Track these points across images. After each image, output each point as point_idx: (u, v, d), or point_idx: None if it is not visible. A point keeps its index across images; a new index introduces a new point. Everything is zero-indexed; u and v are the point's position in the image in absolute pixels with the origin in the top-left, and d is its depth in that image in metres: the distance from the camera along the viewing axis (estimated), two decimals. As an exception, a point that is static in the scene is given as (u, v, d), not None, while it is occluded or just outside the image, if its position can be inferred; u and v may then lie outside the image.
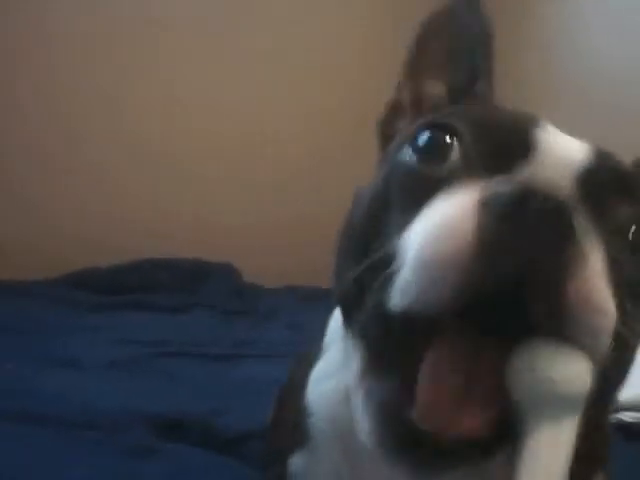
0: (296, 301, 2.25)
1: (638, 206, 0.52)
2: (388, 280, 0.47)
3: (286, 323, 1.96)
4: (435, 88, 0.66)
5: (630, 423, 1.25)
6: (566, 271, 0.44)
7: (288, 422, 0.70)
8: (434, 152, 0.54)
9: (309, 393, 0.67)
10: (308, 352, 0.72)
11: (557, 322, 0.45)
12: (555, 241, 0.44)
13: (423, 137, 0.55)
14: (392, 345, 0.50)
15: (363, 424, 0.50)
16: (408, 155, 0.55)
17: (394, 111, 0.68)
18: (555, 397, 0.46)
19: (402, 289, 0.46)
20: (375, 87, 2.70)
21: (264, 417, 0.98)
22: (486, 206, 0.45)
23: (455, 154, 0.53)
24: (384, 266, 0.48)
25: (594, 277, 0.45)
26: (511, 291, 0.43)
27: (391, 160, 0.58)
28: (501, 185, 0.46)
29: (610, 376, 0.49)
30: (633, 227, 0.52)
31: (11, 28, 2.32)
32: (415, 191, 0.52)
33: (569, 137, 0.55)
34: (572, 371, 0.46)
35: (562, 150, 0.53)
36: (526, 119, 0.55)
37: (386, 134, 0.67)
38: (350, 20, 2.81)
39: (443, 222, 0.46)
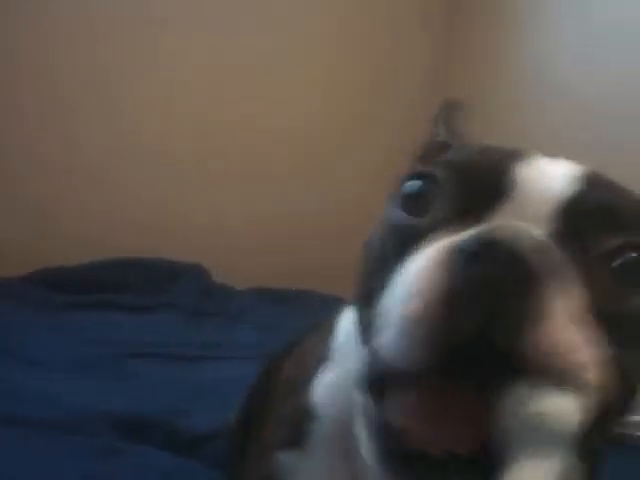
0: (267, 303, 2.24)
1: (623, 237, 0.51)
2: (375, 336, 0.50)
3: (255, 325, 1.95)
4: None
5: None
6: (526, 323, 0.45)
7: (282, 418, 0.69)
8: (417, 202, 0.55)
9: (315, 396, 0.66)
10: (309, 349, 0.72)
11: (527, 368, 0.45)
12: (514, 293, 0.45)
13: (406, 188, 0.57)
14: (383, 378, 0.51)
15: (365, 444, 0.51)
16: (394, 206, 0.57)
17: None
18: (542, 431, 0.45)
19: (383, 347, 0.49)
20: (371, 88, 2.76)
21: (227, 418, 0.98)
22: (450, 263, 0.46)
23: (437, 203, 0.54)
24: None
25: (558, 325, 0.46)
26: (483, 341, 0.44)
27: (384, 210, 0.59)
28: (467, 240, 0.47)
29: (608, 409, 0.49)
30: (620, 259, 0.51)
31: (11, 27, 2.31)
32: (402, 241, 0.53)
33: (559, 166, 0.55)
34: (562, 406, 0.45)
35: (543, 186, 0.52)
36: (509, 157, 0.54)
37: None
38: (348, 19, 2.81)
39: (412, 281, 0.48)
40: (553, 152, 0.58)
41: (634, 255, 0.51)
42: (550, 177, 0.53)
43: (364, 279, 0.58)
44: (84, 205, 2.45)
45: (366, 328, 0.54)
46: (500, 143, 0.63)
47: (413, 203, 0.55)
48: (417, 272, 0.48)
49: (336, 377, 0.66)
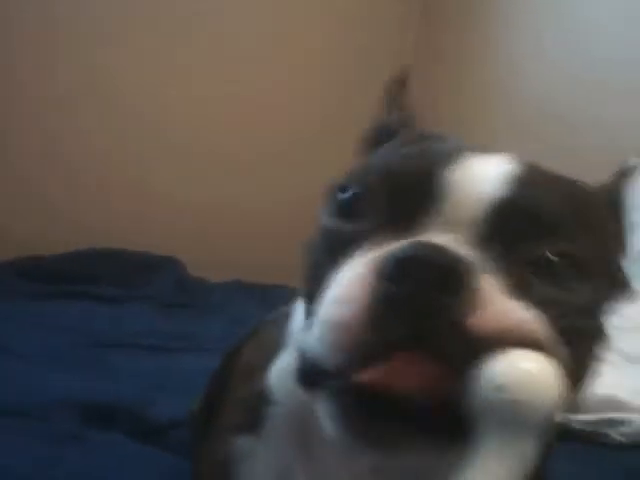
0: (241, 296, 2.25)
1: (546, 244, 0.52)
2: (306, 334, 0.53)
3: (229, 318, 1.95)
4: None
5: (557, 423, 1.27)
6: (461, 315, 0.46)
7: (239, 403, 0.70)
8: (350, 209, 0.56)
9: (271, 380, 0.67)
10: (267, 335, 0.73)
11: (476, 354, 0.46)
12: (442, 292, 0.46)
13: (338, 196, 0.57)
14: None
15: (324, 416, 0.52)
16: (329, 212, 0.58)
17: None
18: (517, 419, 0.45)
19: (308, 346, 0.52)
20: (357, 77, 2.78)
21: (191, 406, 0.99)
22: (376, 273, 0.48)
23: (369, 210, 0.55)
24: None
25: (493, 307, 0.48)
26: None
27: (320, 214, 0.60)
28: (388, 257, 0.49)
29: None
30: (555, 258, 0.52)
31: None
32: (334, 247, 0.54)
33: (491, 165, 0.54)
34: (539, 395, 0.45)
35: (471, 189, 0.52)
36: (440, 160, 0.54)
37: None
38: (323, 20, 2.85)
39: (336, 289, 0.50)
40: (522, 153, 0.57)
41: (556, 260, 0.52)
42: (479, 179, 0.53)
43: (305, 280, 0.59)
44: (72, 193, 2.49)
45: (306, 325, 0.55)
46: (463, 139, 0.63)
47: (346, 210, 0.56)
48: (342, 281, 0.50)
49: (291, 362, 0.66)
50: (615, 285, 0.59)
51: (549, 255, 0.52)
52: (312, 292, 0.54)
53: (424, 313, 0.46)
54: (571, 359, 0.50)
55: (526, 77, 2.45)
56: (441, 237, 0.50)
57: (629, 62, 2.17)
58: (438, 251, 0.48)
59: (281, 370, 0.67)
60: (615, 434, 1.25)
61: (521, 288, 0.50)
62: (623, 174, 0.68)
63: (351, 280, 0.49)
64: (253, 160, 2.71)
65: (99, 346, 1.53)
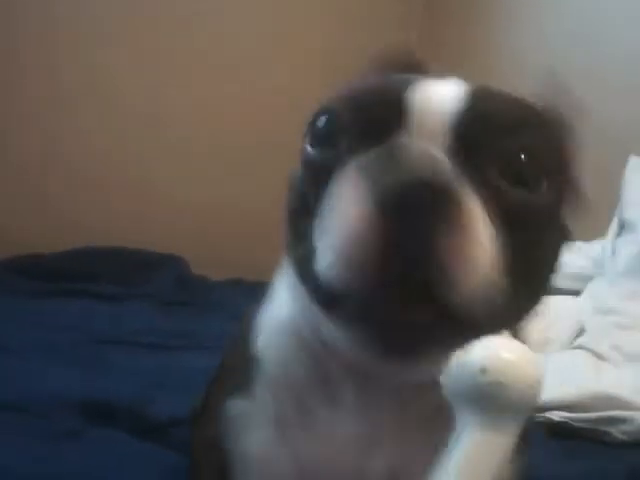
0: (242, 294, 2.24)
1: (511, 141, 0.55)
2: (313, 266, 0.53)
3: (230, 316, 1.94)
4: None
5: (558, 422, 1.27)
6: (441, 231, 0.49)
7: (230, 371, 0.71)
8: (325, 138, 0.58)
9: (259, 341, 0.68)
10: (251, 310, 0.73)
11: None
12: (427, 212, 0.49)
13: (313, 125, 0.59)
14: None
15: (343, 335, 0.55)
16: (307, 143, 0.59)
17: None
18: (500, 401, 0.45)
19: (324, 273, 0.52)
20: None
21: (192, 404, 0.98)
22: (374, 200, 0.50)
23: (341, 136, 0.57)
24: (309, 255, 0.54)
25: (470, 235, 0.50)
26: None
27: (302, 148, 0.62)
28: (375, 164, 0.52)
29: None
30: (512, 162, 0.54)
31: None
32: (315, 177, 0.56)
33: (449, 86, 0.57)
34: (524, 377, 0.45)
35: (434, 106, 0.55)
36: (401, 84, 0.57)
37: None
38: (335, 12, 2.86)
39: (343, 221, 0.51)
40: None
41: (524, 156, 0.55)
42: (441, 97, 0.55)
43: (291, 216, 0.60)
44: (73, 192, 2.48)
45: (301, 263, 0.57)
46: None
47: (321, 139, 0.58)
48: (342, 210, 0.51)
49: (274, 320, 0.68)
50: (570, 196, 0.61)
51: (515, 151, 0.54)
52: (301, 225, 0.56)
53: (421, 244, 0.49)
54: (522, 286, 0.53)
55: (530, 72, 2.44)
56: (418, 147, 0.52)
57: (635, 57, 2.17)
58: (428, 164, 0.50)
59: (264, 330, 0.68)
60: (617, 432, 1.26)
61: (493, 198, 0.52)
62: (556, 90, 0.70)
63: (352, 210, 0.51)
64: (254, 159, 2.71)
65: (99, 344, 1.53)
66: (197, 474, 0.76)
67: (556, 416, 1.28)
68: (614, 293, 1.70)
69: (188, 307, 2.05)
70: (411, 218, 0.49)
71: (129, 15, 2.54)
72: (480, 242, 0.50)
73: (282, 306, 0.67)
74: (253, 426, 0.66)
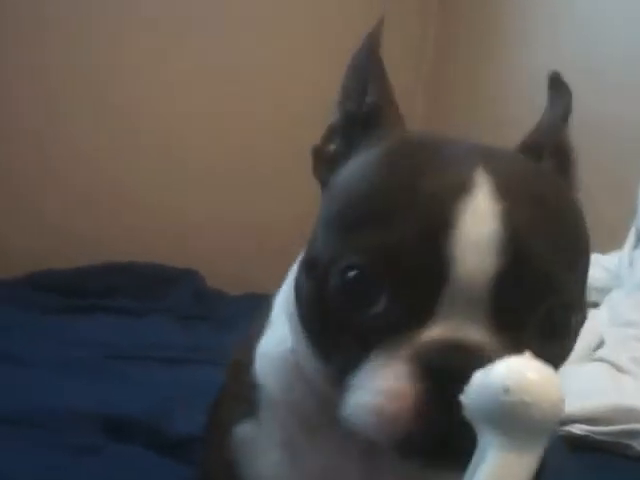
0: (259, 309, 2.23)
1: (551, 299, 0.55)
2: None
3: (246, 330, 1.94)
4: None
5: (580, 436, 1.26)
6: None
7: (234, 396, 0.71)
8: (357, 292, 0.55)
9: (257, 366, 0.68)
10: (251, 332, 0.73)
11: None
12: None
13: (340, 275, 0.56)
14: None
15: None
16: (337, 286, 0.56)
17: (330, 134, 0.70)
18: (524, 420, 0.45)
19: (356, 421, 0.55)
20: None
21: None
22: (419, 373, 0.53)
23: (375, 296, 0.55)
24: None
25: None
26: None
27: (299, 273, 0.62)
28: (428, 355, 0.53)
29: None
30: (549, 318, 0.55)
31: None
32: (348, 331, 0.56)
33: (487, 218, 0.54)
34: (547, 397, 0.45)
35: (476, 260, 0.53)
36: (440, 223, 0.53)
37: (321, 158, 0.69)
38: (326, 22, 2.83)
39: (385, 384, 0.53)
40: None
41: (558, 313, 0.56)
42: (479, 244, 0.53)
43: (315, 330, 0.60)
44: (80, 207, 2.48)
45: (331, 374, 0.59)
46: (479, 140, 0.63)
47: (351, 290, 0.55)
48: (383, 375, 0.53)
49: (274, 342, 0.68)
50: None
51: (555, 311, 0.56)
52: (334, 362, 0.58)
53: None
54: None
55: (543, 72, 2.44)
56: (460, 328, 0.53)
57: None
58: (470, 358, 0.51)
59: (265, 353, 0.69)
60: (638, 445, 1.24)
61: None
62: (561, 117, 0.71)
63: (394, 376, 0.53)
64: (269, 172, 2.71)
65: (116, 359, 1.53)
66: None
67: (577, 429, 1.26)
68: (632, 305, 1.68)
69: (206, 321, 2.06)
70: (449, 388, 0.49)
71: (125, 17, 2.53)
72: None
73: (282, 334, 0.67)
74: (262, 450, 0.67)
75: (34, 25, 2.39)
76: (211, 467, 0.74)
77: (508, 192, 0.54)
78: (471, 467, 0.46)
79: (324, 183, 0.66)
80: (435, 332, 0.53)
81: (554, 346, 0.57)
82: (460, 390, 0.47)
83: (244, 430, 0.68)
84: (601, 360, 1.50)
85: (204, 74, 2.63)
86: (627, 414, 1.28)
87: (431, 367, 0.52)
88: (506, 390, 0.45)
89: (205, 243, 2.60)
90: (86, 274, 2.21)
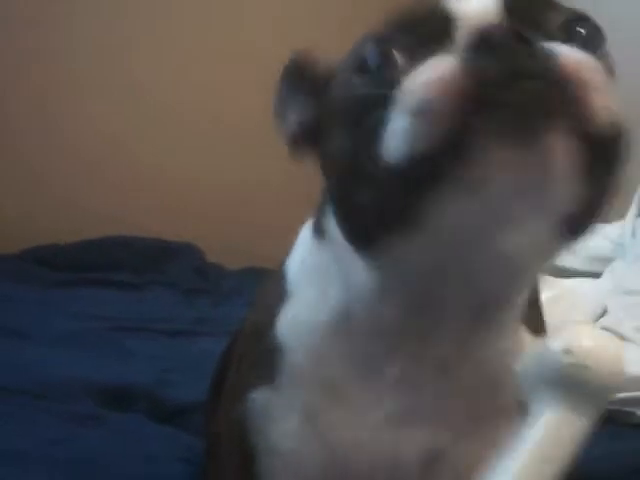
0: (259, 282, 2.23)
1: (565, 14, 0.52)
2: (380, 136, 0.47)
3: (248, 302, 1.94)
4: None
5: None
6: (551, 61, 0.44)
7: (251, 363, 0.67)
8: (374, 66, 0.51)
9: (282, 330, 0.64)
10: (268, 301, 0.69)
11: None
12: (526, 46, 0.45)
13: (358, 55, 0.54)
14: None
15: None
16: (353, 74, 0.53)
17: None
18: (583, 383, 0.44)
19: (398, 136, 0.46)
20: None
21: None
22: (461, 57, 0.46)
23: (399, 59, 0.50)
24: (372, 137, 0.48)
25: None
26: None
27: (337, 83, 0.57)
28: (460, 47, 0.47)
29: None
30: (568, 33, 0.51)
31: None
32: (368, 106, 0.50)
33: None
34: (608, 364, 0.45)
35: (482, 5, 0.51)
36: None
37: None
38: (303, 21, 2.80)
39: (430, 75, 0.46)
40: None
41: (578, 25, 0.51)
42: None
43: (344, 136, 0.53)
44: (86, 182, 2.47)
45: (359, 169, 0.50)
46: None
47: (371, 67, 0.52)
48: (434, 71, 0.46)
49: (301, 309, 0.64)
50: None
51: (570, 20, 0.51)
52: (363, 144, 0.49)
53: (520, 55, 0.44)
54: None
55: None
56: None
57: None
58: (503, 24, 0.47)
59: (289, 322, 0.65)
60: (642, 413, 1.24)
61: None
62: None
63: (438, 68, 0.46)
64: (267, 146, 2.68)
65: (118, 331, 1.53)
66: (218, 467, 0.73)
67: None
68: (635, 274, 1.67)
69: (209, 294, 2.06)
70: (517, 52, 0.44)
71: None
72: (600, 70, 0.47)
73: (309, 300, 0.64)
74: (279, 418, 0.63)
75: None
76: (222, 436, 0.70)
77: None
78: (522, 430, 0.46)
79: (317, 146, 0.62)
80: None
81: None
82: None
83: (260, 395, 0.63)
84: (604, 329, 1.50)
85: (223, 55, 2.62)
86: (630, 382, 1.28)
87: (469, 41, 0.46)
88: (568, 351, 0.45)
89: (202, 217, 2.59)
90: (87, 248, 2.21)
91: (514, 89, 0.43)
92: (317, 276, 0.64)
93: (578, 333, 0.46)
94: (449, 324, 0.57)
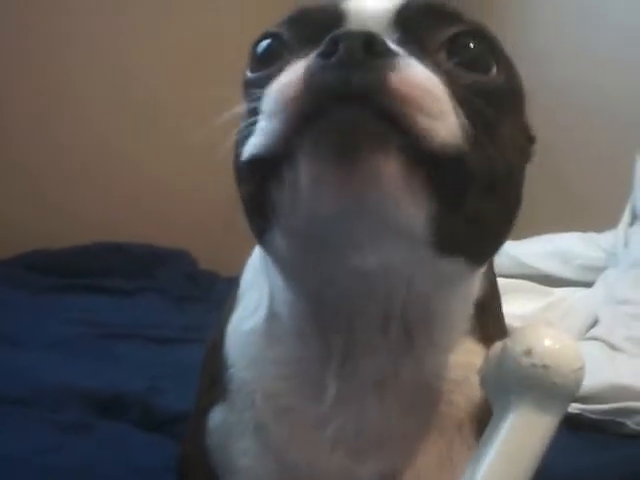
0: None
1: (454, 28, 0.52)
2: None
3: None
4: None
5: (574, 414, 1.26)
6: (385, 76, 0.45)
7: (208, 381, 0.68)
8: (265, 60, 0.55)
9: (227, 345, 0.65)
10: (223, 313, 0.70)
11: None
12: (370, 58, 0.45)
13: (254, 51, 0.57)
14: None
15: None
16: (248, 70, 0.57)
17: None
18: (544, 383, 0.45)
19: (258, 134, 0.48)
20: None
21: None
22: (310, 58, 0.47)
23: (282, 54, 0.54)
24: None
25: (414, 75, 0.46)
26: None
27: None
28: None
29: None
30: (456, 47, 0.52)
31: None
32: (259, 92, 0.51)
33: None
34: (568, 362, 0.46)
35: (372, 4, 0.53)
36: None
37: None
38: None
39: (282, 79, 0.48)
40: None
41: (468, 40, 0.52)
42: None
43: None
44: (79, 187, 2.46)
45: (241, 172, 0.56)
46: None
47: (263, 61, 0.55)
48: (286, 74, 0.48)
49: (242, 315, 0.65)
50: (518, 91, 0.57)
51: (461, 36, 0.52)
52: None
53: (356, 69, 0.45)
54: (482, 149, 0.48)
55: (549, 64, 2.43)
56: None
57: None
58: (362, 31, 0.47)
59: (234, 330, 0.66)
60: (632, 424, 1.24)
61: (444, 79, 0.48)
62: None
63: (289, 72, 0.48)
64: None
65: (109, 338, 1.53)
66: None
67: (571, 407, 1.26)
68: (627, 283, 1.68)
69: (200, 301, 2.04)
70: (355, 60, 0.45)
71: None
72: (437, 90, 0.47)
73: (252, 303, 0.65)
74: (235, 436, 0.63)
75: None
76: (188, 453, 0.71)
77: None
78: (487, 434, 0.46)
79: None
80: None
81: (478, 78, 0.51)
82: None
83: (216, 415, 0.64)
84: (595, 339, 1.50)
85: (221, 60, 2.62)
86: (621, 392, 1.28)
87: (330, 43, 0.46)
88: (528, 352, 0.45)
89: (194, 224, 2.58)
90: (79, 254, 2.19)
91: (337, 105, 0.44)
92: (260, 279, 0.64)
93: (536, 334, 0.47)
94: (368, 339, 0.57)
